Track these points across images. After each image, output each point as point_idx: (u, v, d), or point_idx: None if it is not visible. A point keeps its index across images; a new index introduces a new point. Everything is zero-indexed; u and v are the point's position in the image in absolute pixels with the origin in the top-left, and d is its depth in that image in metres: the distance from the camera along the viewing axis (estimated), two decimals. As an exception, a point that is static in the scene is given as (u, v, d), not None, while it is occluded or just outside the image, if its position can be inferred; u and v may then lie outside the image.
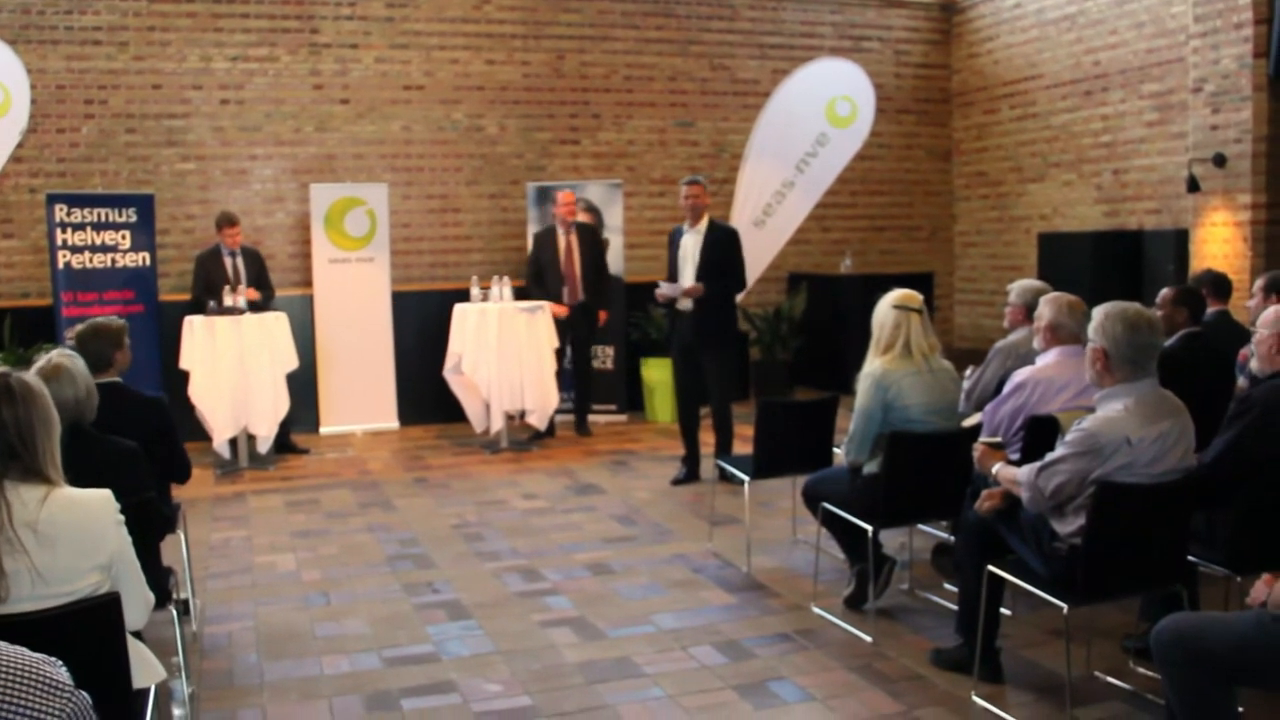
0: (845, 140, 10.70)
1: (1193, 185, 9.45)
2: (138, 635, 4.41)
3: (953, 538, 5.60)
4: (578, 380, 10.07)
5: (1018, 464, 4.27)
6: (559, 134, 12.07)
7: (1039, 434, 4.65)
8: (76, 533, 2.71)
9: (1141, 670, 4.36)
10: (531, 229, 10.93)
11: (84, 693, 1.77)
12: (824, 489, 5.17)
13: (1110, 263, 10.74)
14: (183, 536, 5.31)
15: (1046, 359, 4.90)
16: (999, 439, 4.57)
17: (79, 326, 4.92)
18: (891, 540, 5.65)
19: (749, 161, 10.93)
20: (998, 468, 4.14)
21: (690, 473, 8.08)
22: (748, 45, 12.65)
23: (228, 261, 9.41)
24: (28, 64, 10.01)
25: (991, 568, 4.08)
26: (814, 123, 10.65)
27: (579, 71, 12.09)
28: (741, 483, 6.07)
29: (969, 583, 4.29)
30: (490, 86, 11.79)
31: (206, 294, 9.08)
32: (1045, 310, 4.92)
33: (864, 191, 13.23)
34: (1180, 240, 10.16)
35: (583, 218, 10.51)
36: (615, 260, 10.71)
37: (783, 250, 11.45)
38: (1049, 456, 3.82)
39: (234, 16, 10.96)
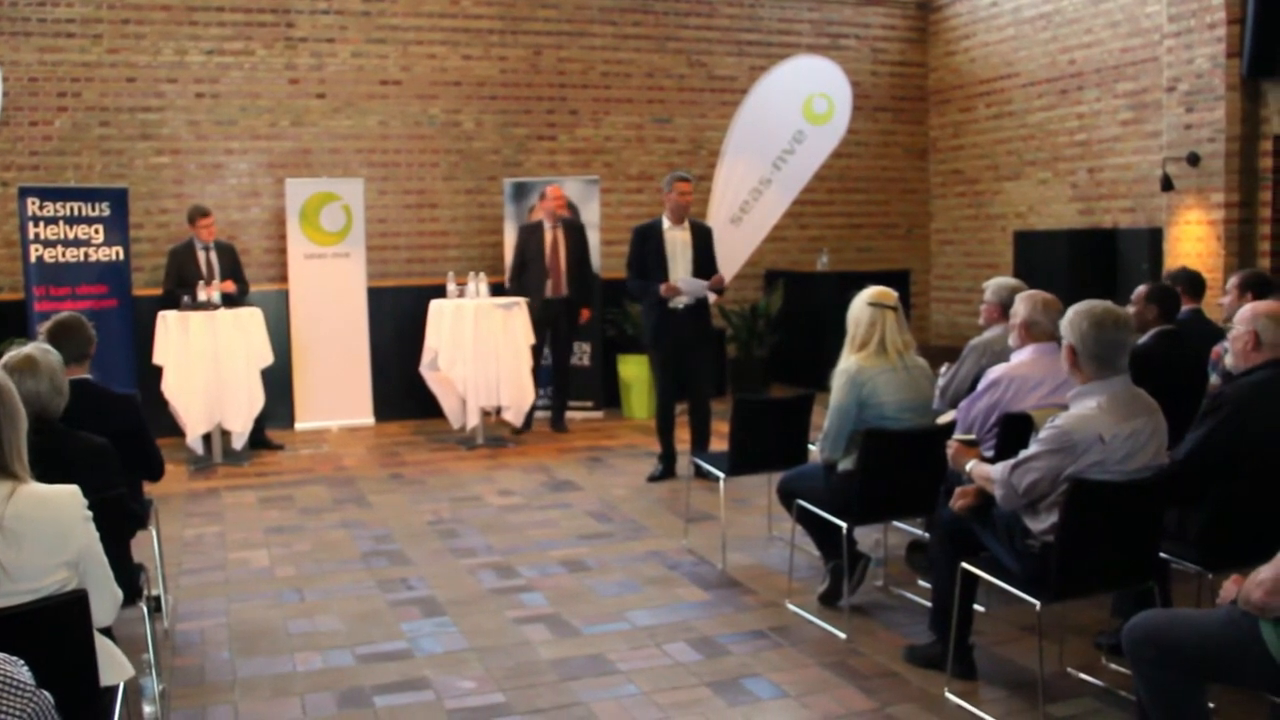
0: (822, 138, 10.69)
1: (1166, 184, 9.50)
2: (107, 632, 4.40)
3: (927, 535, 5.62)
4: (556, 376, 10.07)
5: (992, 461, 4.29)
6: (536, 130, 12.03)
7: (1013, 431, 4.66)
8: (43, 529, 2.68)
9: (1114, 666, 4.39)
10: (509, 225, 10.91)
11: (45, 692, 1.76)
12: (799, 486, 5.17)
13: (1085, 261, 10.79)
14: (154, 533, 5.28)
15: (1021, 356, 4.91)
16: (973, 436, 4.58)
17: (47, 323, 4.87)
18: (866, 537, 5.66)
19: (726, 158, 10.91)
20: (971, 465, 4.15)
21: (667, 470, 8.07)
22: (725, 42, 12.64)
23: (201, 256, 9.35)
24: (0, 56, 9.94)
25: (965, 565, 4.10)
26: (791, 120, 10.64)
27: (556, 67, 12.06)
28: (717, 479, 6.07)
29: (942, 580, 4.30)
30: (467, 82, 11.75)
31: (179, 288, 9.01)
32: (1020, 308, 4.94)
33: (841, 189, 13.24)
34: (1154, 239, 10.20)
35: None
36: (592, 257, 10.68)
37: (759, 247, 11.42)
38: (1022, 454, 3.83)
39: (209, 10, 10.88)
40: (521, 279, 9.76)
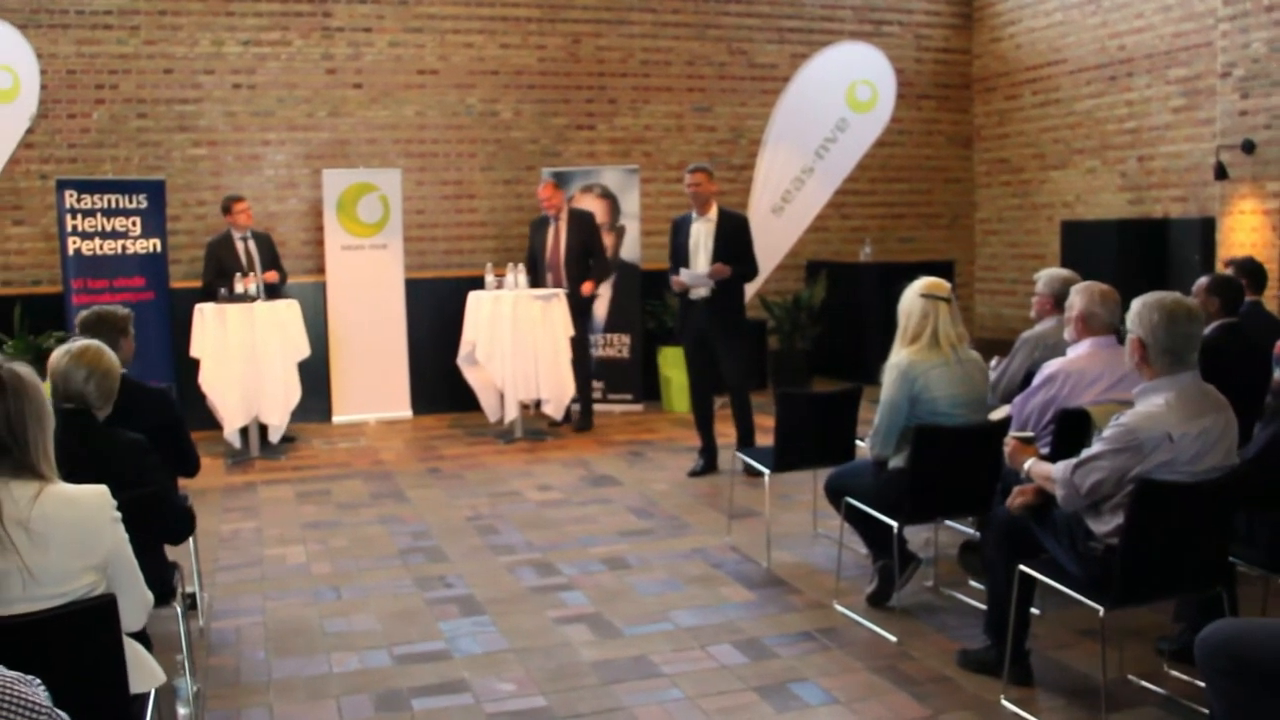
0: (865, 125, 10.51)
1: (1220, 172, 9.25)
2: (142, 635, 4.33)
3: (979, 534, 5.46)
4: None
5: (1048, 458, 4.12)
6: (575, 119, 11.92)
7: (1070, 427, 4.50)
8: (70, 531, 2.58)
9: (1176, 674, 4.21)
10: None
11: (62, 713, 1.64)
12: (847, 483, 5.01)
13: (1134, 251, 10.56)
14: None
15: (1078, 350, 4.74)
16: (1030, 433, 4.40)
17: (83, 313, 4.79)
18: (915, 536, 5.50)
19: (767, 147, 10.75)
20: (1030, 463, 3.98)
21: (708, 464, 7.94)
22: (766, 29, 12.47)
23: (239, 246, 9.29)
24: (38, 49, 9.93)
25: (1023, 568, 3.93)
26: (834, 108, 10.47)
27: (595, 56, 11.93)
28: (761, 475, 5.92)
29: (998, 583, 4.14)
30: (505, 71, 11.65)
31: (218, 280, 8.94)
32: (1077, 300, 4.76)
33: (883, 178, 13.05)
34: (1206, 229, 9.97)
35: (596, 204, 10.37)
36: (631, 247, 10.57)
37: (801, 238, 11.29)
38: (1086, 452, 3.66)
39: (246, 0, 10.83)
40: (533, 275, 9.60)
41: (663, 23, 12.12)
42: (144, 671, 2.83)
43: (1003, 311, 13.11)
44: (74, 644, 2.54)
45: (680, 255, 7.86)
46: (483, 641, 4.78)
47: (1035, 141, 12.56)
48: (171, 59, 10.76)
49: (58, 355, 3.74)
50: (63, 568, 2.57)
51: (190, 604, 5.06)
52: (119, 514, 2.72)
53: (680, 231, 7.94)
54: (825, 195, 10.92)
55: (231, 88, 10.93)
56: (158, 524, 3.94)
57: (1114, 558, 3.57)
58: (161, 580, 3.98)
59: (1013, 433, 4.40)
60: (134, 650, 2.80)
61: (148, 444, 3.97)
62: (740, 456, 6.17)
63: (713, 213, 7.82)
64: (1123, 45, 11.29)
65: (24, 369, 2.65)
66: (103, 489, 2.69)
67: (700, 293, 7.76)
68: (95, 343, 3.82)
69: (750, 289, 8.00)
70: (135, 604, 2.82)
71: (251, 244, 9.33)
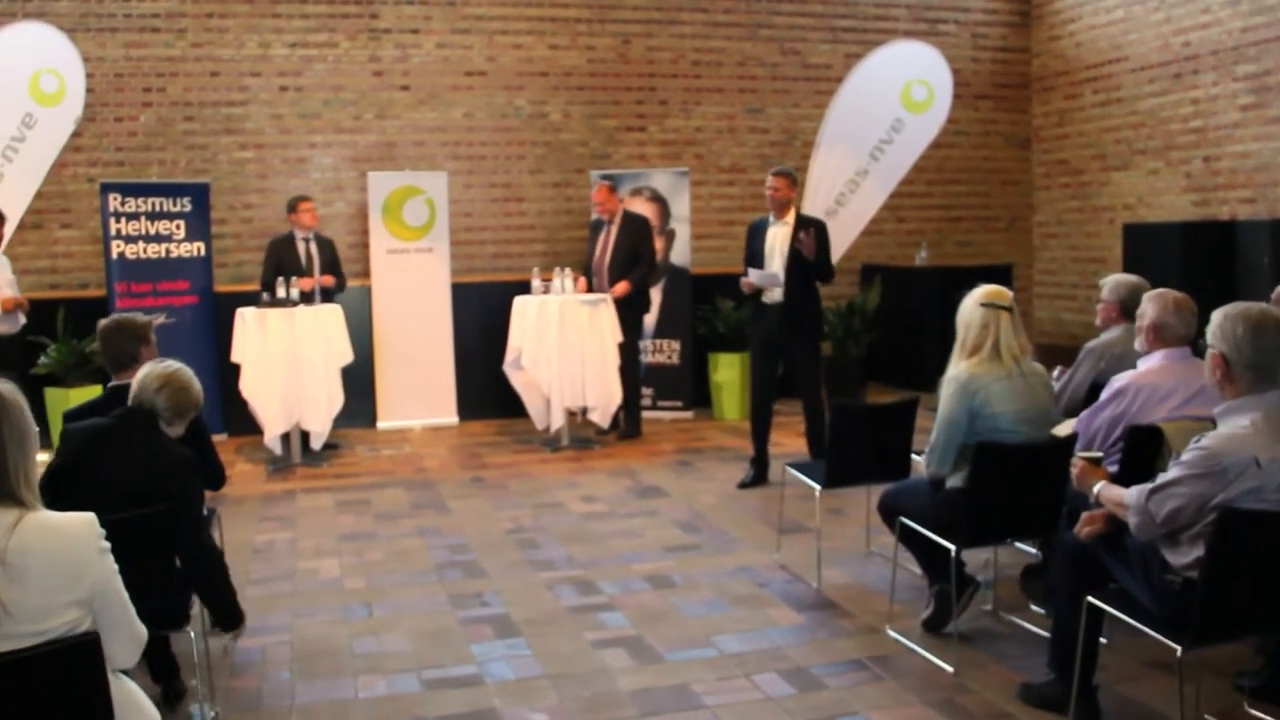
0: (921, 126, 10.22)
1: (1294, 173, 8.88)
2: (166, 654, 4.17)
3: (1042, 555, 5.18)
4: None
5: (1117, 478, 3.85)
6: (625, 121, 11.72)
7: (1141, 445, 4.22)
8: (51, 563, 2.38)
9: (1258, 713, 3.91)
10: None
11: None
12: (902, 503, 4.74)
13: (1200, 255, 10.17)
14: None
15: (1150, 363, 4.45)
16: (1099, 453, 4.10)
17: (103, 321, 4.64)
18: (975, 557, 5.23)
19: (821, 149, 10.49)
20: (1100, 487, 3.70)
21: (758, 475, 7.72)
22: (820, 29, 12.20)
23: (301, 247, 9.17)
24: (86, 52, 9.93)
25: (1092, 599, 3.65)
26: (889, 108, 10.19)
27: (645, 56, 11.73)
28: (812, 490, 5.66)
29: (1065, 614, 3.85)
30: (554, 72, 11.47)
31: (277, 278, 8.80)
32: (1149, 308, 4.47)
33: (940, 180, 12.73)
34: (1276, 231, 9.59)
35: (646, 207, 10.15)
36: (681, 252, 10.34)
37: (856, 241, 11.01)
38: (1162, 477, 3.38)
39: (293, 2, 10.76)
40: (588, 280, 9.40)
41: (714, 23, 11.89)
42: (135, 712, 2.62)
43: (1063, 316, 12.75)
44: (55, 686, 2.34)
45: (756, 260, 7.70)
46: (516, 666, 4.57)
47: (1096, 142, 12.19)
48: (218, 61, 10.69)
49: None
50: (42, 603, 2.37)
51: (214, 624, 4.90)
52: (107, 544, 2.51)
53: (756, 235, 7.79)
54: (880, 198, 10.65)
55: (278, 90, 10.85)
56: (181, 549, 3.83)
57: (1193, 593, 3.28)
58: (175, 604, 3.83)
59: (1079, 452, 4.11)
60: (124, 690, 2.59)
61: (194, 463, 3.99)
62: (790, 470, 5.89)
63: (790, 217, 7.66)
64: (1187, 41, 10.90)
65: (4, 386, 2.46)
66: (89, 517, 2.49)
67: (774, 296, 7.58)
68: (180, 365, 4.03)
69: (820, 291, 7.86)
70: (126, 642, 2.60)
71: (313, 246, 9.21)
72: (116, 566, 2.53)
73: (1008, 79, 13.02)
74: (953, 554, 4.44)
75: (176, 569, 3.87)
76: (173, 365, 3.99)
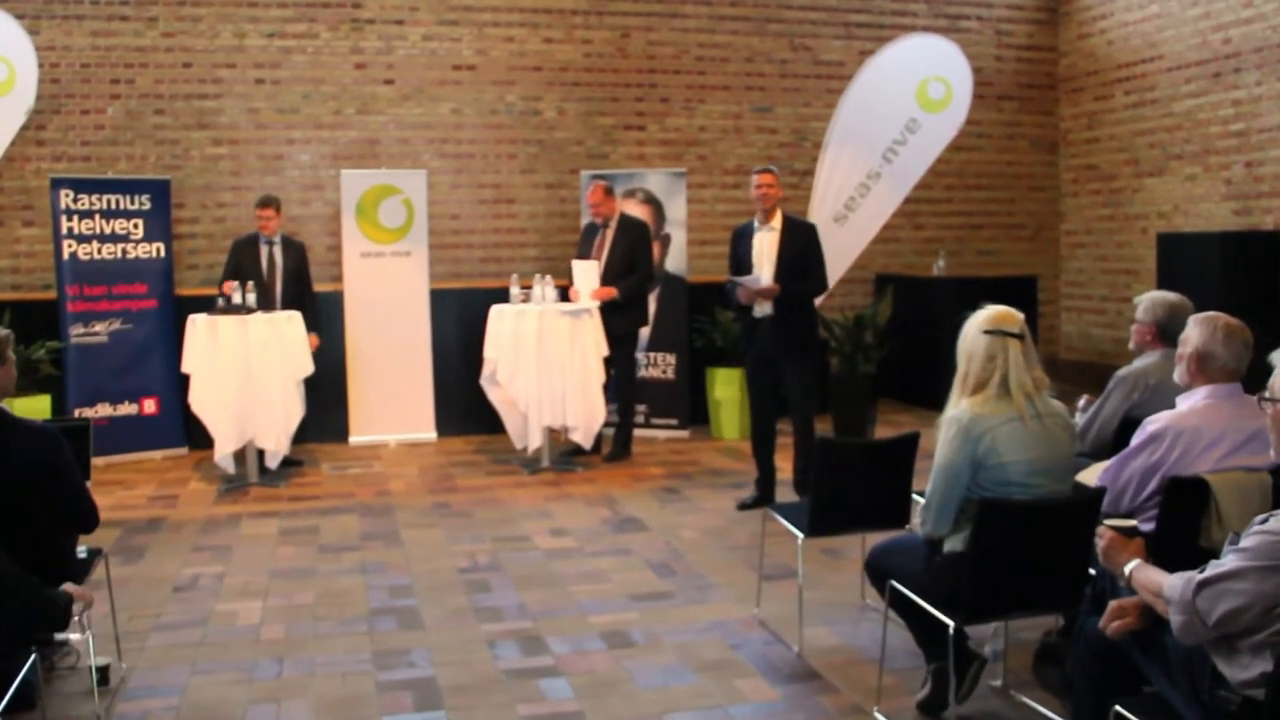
0: (938, 126, 9.48)
1: (1346, 180, 8.11)
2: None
3: (1060, 629, 4.42)
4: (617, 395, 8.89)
5: (1152, 542, 3.11)
6: (623, 119, 11.04)
7: (1181, 501, 3.48)
8: None
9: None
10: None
11: None
12: (893, 565, 3.95)
13: (1242, 268, 9.43)
14: (108, 592, 4.39)
15: (1192, 401, 3.70)
16: (1133, 523, 3.33)
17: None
18: (980, 627, 4.48)
19: (830, 150, 9.76)
20: (1133, 567, 2.93)
21: (762, 496, 7.08)
22: (832, 23, 11.50)
23: (263, 251, 8.53)
24: (50, 41, 9.47)
25: (1120, 709, 2.87)
26: (903, 106, 9.45)
27: (646, 51, 11.06)
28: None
29: (1086, 718, 3.11)
30: (548, 67, 10.82)
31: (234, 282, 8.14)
32: (1194, 333, 3.71)
33: (960, 185, 12.00)
34: (1324, 244, 8.84)
35: (639, 211, 9.43)
36: (677, 258, 9.61)
37: (868, 249, 10.27)
38: (1217, 567, 2.61)
39: (270, -12, 10.13)
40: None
41: (719, 16, 11.20)
42: None
43: (1091, 332, 11.99)
44: None
45: (742, 269, 7.05)
46: (431, 750, 3.86)
47: (1128, 146, 11.44)
48: (191, 52, 10.08)
49: None
50: None
51: (101, 678, 4.24)
52: None
53: (741, 242, 7.14)
54: (894, 203, 9.92)
55: (254, 83, 10.24)
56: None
57: (1257, 716, 2.52)
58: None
59: (1105, 515, 3.35)
60: None
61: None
62: (772, 514, 5.15)
63: (777, 220, 7.04)
64: (1228, 38, 10.15)
65: None
66: None
67: (764, 309, 6.96)
68: None
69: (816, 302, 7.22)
70: None
71: (278, 250, 8.56)
72: None
73: (1034, 79, 12.30)
74: (951, 630, 3.69)
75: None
76: None
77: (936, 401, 8.89)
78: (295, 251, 8.71)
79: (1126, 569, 2.95)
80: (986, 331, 3.65)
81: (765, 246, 6.97)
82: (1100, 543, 3.09)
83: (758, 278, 6.89)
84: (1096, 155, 11.93)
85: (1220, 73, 10.29)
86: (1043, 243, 12.48)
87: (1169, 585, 2.72)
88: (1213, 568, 2.62)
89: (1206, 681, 2.68)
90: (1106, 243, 11.86)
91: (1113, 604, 2.96)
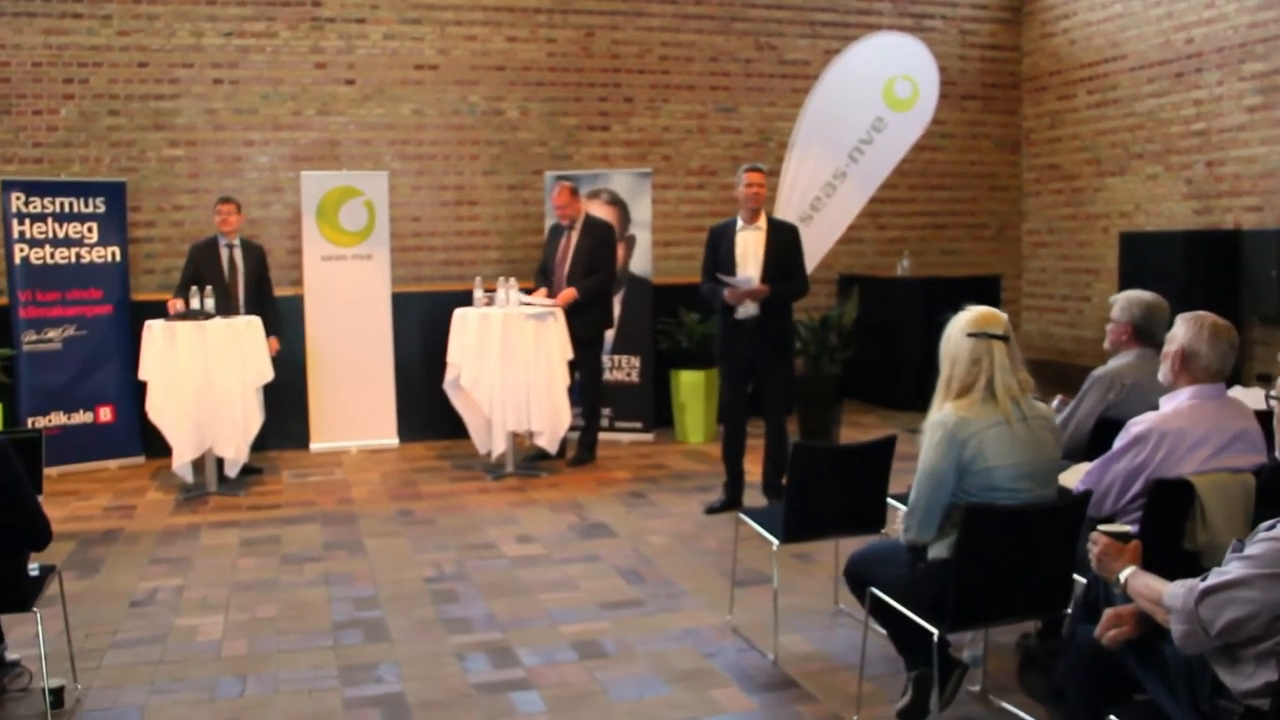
0: (905, 125, 9.40)
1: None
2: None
3: (1038, 631, 4.37)
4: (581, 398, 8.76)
5: (1143, 545, 3.03)
6: (587, 119, 10.93)
7: (1166, 503, 3.43)
8: None
9: None
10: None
11: None
12: (874, 572, 3.86)
13: (1202, 266, 9.49)
14: (62, 608, 4.23)
15: (1176, 402, 3.65)
16: (1127, 528, 3.26)
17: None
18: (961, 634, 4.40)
19: (795, 150, 9.67)
20: (1128, 574, 2.85)
21: (730, 500, 7.02)
22: (797, 22, 11.44)
23: (224, 254, 8.34)
24: (1, 39, 9.13)
25: (1115, 718, 2.81)
26: (870, 105, 9.37)
27: (610, 50, 10.95)
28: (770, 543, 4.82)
29: (1077, 728, 3.04)
30: (511, 66, 10.68)
31: (188, 288, 7.96)
32: (1181, 331, 3.65)
33: (924, 185, 11.98)
34: (1285, 241, 8.87)
35: (603, 211, 9.31)
36: (642, 260, 9.51)
37: (833, 249, 10.14)
38: (1221, 575, 2.54)
39: (227, -14, 9.93)
40: (540, 287, 8.59)
41: (684, 15, 11.12)
42: None
43: (1052, 330, 11.99)
44: None
45: (722, 270, 6.93)
46: (400, 769, 3.74)
47: (1091, 145, 11.45)
48: (146, 51, 9.87)
49: None
50: None
51: (55, 701, 4.10)
52: None
53: (722, 242, 7.00)
54: (859, 203, 9.81)
55: (212, 83, 10.03)
56: None
57: (1259, 727, 2.47)
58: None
59: (1096, 519, 3.29)
60: None
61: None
62: (743, 518, 5.06)
63: (762, 221, 6.97)
64: (1190, 38, 10.18)
65: None
66: None
67: (749, 311, 6.85)
68: None
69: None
70: None
71: (238, 253, 8.38)
72: None
73: (997, 78, 12.31)
74: (935, 638, 3.61)
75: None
76: None
77: (900, 402, 8.89)
78: (255, 255, 8.54)
79: (1122, 576, 2.88)
80: (971, 334, 3.56)
81: (750, 246, 6.87)
82: (1093, 549, 3.01)
83: (749, 278, 6.79)
84: (1059, 155, 11.94)
85: (1182, 72, 10.31)
86: (1005, 242, 12.49)
87: (1170, 593, 2.65)
88: (1216, 575, 2.55)
89: (1207, 690, 2.62)
90: (1068, 242, 11.87)
91: (1109, 612, 2.88)
